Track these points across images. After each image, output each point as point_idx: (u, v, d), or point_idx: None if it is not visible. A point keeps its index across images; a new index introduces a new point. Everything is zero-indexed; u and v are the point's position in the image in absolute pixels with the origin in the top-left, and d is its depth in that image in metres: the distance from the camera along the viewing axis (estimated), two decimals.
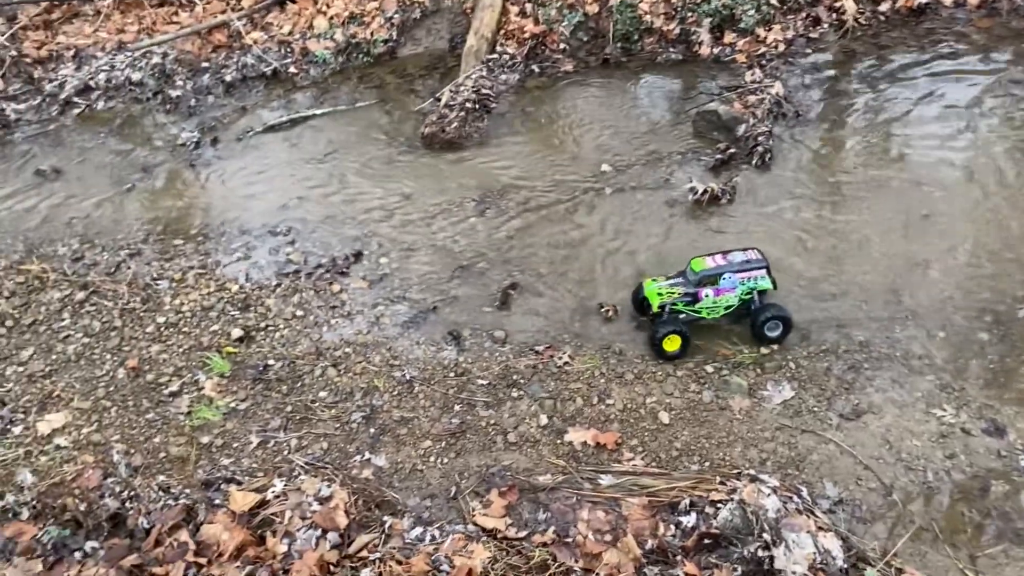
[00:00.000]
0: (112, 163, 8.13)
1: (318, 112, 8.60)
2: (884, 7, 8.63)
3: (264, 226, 7.04)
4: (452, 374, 5.52)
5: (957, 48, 8.16)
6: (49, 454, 5.06)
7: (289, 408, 5.34)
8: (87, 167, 8.08)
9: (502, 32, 9.03)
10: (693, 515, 4.33)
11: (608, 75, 8.67)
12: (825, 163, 7.10)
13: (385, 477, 4.84)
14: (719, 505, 4.30)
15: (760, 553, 3.99)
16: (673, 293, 5.53)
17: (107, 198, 7.59)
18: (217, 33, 9.50)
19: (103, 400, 5.48)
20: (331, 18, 9.41)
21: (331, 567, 4.16)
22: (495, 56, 8.70)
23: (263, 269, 6.57)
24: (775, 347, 5.51)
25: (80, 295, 6.32)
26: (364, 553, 4.23)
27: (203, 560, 4.20)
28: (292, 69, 9.22)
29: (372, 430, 5.15)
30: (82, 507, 4.55)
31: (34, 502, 4.61)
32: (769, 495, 4.26)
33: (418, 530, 4.40)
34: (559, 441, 4.98)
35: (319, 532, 4.30)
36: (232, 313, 6.13)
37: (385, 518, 4.46)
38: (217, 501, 4.60)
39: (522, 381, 5.42)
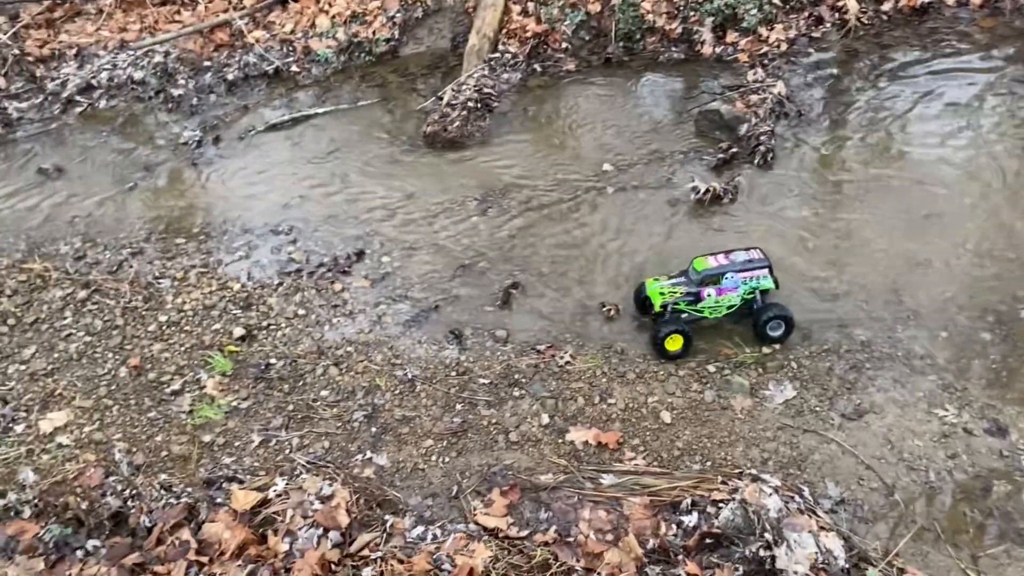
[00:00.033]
0: (114, 162, 8.13)
1: (320, 111, 8.60)
2: (887, 6, 8.62)
3: (266, 225, 7.04)
4: (454, 373, 5.52)
5: (959, 47, 8.15)
6: (51, 452, 5.07)
7: (291, 407, 5.35)
8: (89, 166, 8.08)
9: (504, 31, 9.02)
10: (695, 515, 4.33)
11: (610, 74, 8.66)
12: (827, 162, 7.09)
13: (387, 476, 4.84)
14: (721, 505, 4.30)
15: (762, 553, 3.99)
16: (675, 293, 5.53)
17: (109, 197, 7.59)
18: (219, 32, 9.50)
19: (105, 399, 5.48)
20: (333, 17, 9.40)
21: (332, 566, 4.16)
22: (497, 55, 8.69)
23: (265, 268, 6.57)
24: (777, 347, 5.50)
25: (82, 294, 6.32)
26: (366, 552, 4.23)
27: (205, 559, 4.20)
28: (294, 68, 9.21)
29: (374, 429, 5.16)
30: (84, 505, 4.55)
31: (36, 500, 4.62)
32: (771, 495, 4.26)
33: (419, 529, 4.40)
34: (561, 440, 4.98)
35: (321, 531, 4.30)
36: (234, 312, 6.13)
37: (387, 517, 4.46)
38: (219, 500, 4.60)
39: (524, 380, 5.42)
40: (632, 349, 5.65)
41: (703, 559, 4.12)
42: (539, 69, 8.81)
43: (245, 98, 8.99)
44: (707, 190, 6.67)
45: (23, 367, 5.76)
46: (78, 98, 8.94)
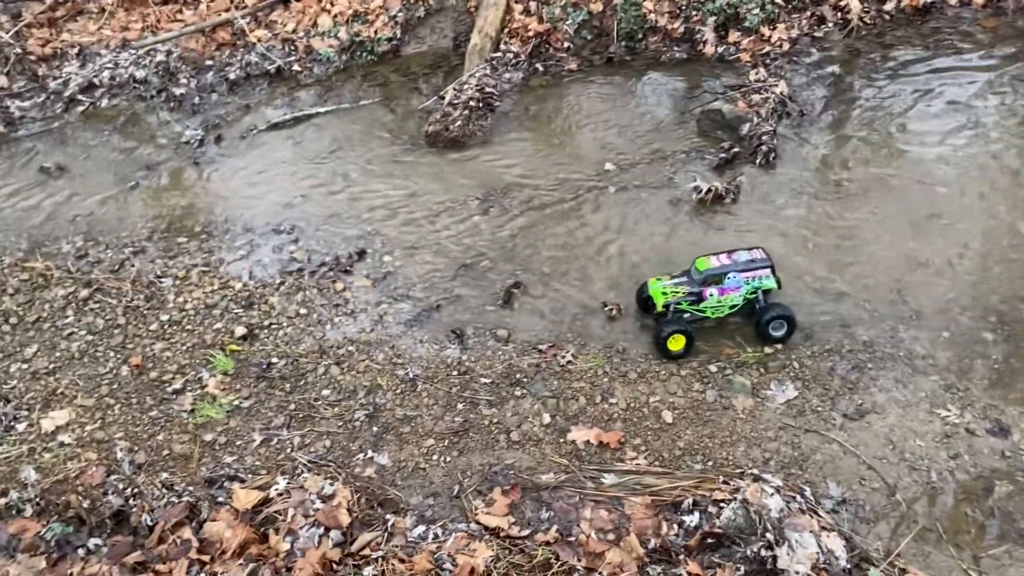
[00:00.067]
0: (116, 161, 8.13)
1: (322, 110, 8.60)
2: (889, 6, 8.61)
3: (267, 224, 7.04)
4: (455, 372, 5.52)
5: (962, 47, 8.13)
6: (53, 451, 5.07)
7: (292, 406, 5.35)
8: (91, 165, 8.09)
9: (506, 31, 9.01)
10: (696, 514, 4.33)
11: (612, 74, 8.66)
12: (829, 162, 7.08)
13: (388, 475, 4.84)
14: (722, 504, 4.29)
15: (763, 553, 3.99)
16: (678, 292, 5.52)
17: (111, 196, 7.60)
18: (221, 31, 9.50)
19: (107, 397, 5.49)
20: (335, 16, 9.40)
21: (334, 565, 4.16)
22: (499, 55, 8.69)
23: (267, 267, 6.57)
24: (779, 347, 5.50)
25: (84, 292, 6.33)
26: (367, 551, 4.24)
27: (206, 557, 4.20)
28: (296, 67, 9.21)
29: (375, 428, 5.16)
30: (85, 504, 4.55)
31: (38, 499, 4.62)
32: (772, 495, 4.26)
33: (421, 528, 4.40)
34: (562, 440, 4.98)
35: (322, 530, 4.30)
36: (236, 311, 6.13)
37: (388, 516, 4.47)
38: (220, 499, 4.61)
39: (525, 380, 5.42)
40: (634, 349, 5.65)
41: (704, 559, 4.12)
42: (541, 68, 8.81)
43: (247, 97, 8.99)
44: (709, 190, 6.66)
45: (25, 366, 5.76)
46: (80, 97, 8.94)
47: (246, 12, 9.56)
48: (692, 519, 4.31)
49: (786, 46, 8.40)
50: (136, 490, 4.68)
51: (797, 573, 3.89)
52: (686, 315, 5.59)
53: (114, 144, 8.39)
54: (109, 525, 4.50)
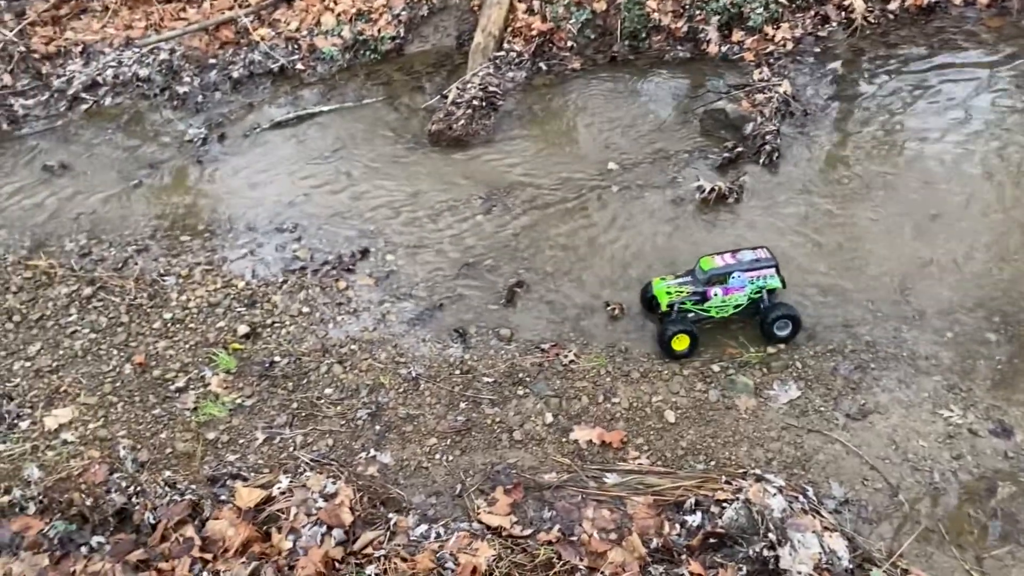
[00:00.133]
0: (119, 159, 8.14)
1: (325, 109, 8.60)
2: (893, 6, 8.59)
3: (270, 223, 7.05)
4: (458, 372, 5.52)
5: (966, 47, 8.12)
6: (56, 449, 5.08)
7: (295, 405, 5.35)
8: (94, 163, 8.10)
9: (509, 29, 9.01)
10: (698, 514, 4.32)
11: (615, 73, 8.65)
12: (833, 162, 7.07)
13: (390, 474, 4.85)
14: (724, 504, 4.29)
15: (765, 553, 3.99)
16: (682, 292, 5.52)
17: (114, 194, 7.61)
18: (224, 29, 9.51)
19: (110, 395, 5.50)
20: (338, 15, 9.41)
21: (336, 564, 4.17)
22: (502, 54, 8.68)
23: (269, 266, 6.58)
24: (782, 346, 5.50)
25: (87, 291, 6.34)
26: (369, 550, 4.24)
27: (209, 556, 4.21)
28: (299, 66, 9.22)
29: (378, 427, 5.16)
30: (88, 502, 4.56)
31: (41, 497, 4.63)
32: (775, 495, 4.26)
33: (423, 527, 4.41)
34: (565, 439, 4.98)
35: (324, 529, 4.30)
36: (238, 309, 6.14)
37: (390, 515, 4.47)
38: (223, 497, 4.61)
39: (528, 379, 5.42)
40: (636, 348, 5.64)
41: (707, 559, 4.12)
42: (544, 68, 8.80)
43: (250, 96, 9.00)
44: (712, 189, 6.66)
45: (28, 364, 5.77)
46: (84, 95, 8.95)
47: (249, 11, 9.57)
48: (694, 519, 4.31)
49: (790, 45, 8.39)
50: (139, 488, 4.68)
51: (799, 573, 3.89)
52: (690, 315, 5.59)
53: (117, 142, 8.41)
54: (112, 523, 4.51)
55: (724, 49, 8.57)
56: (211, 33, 9.49)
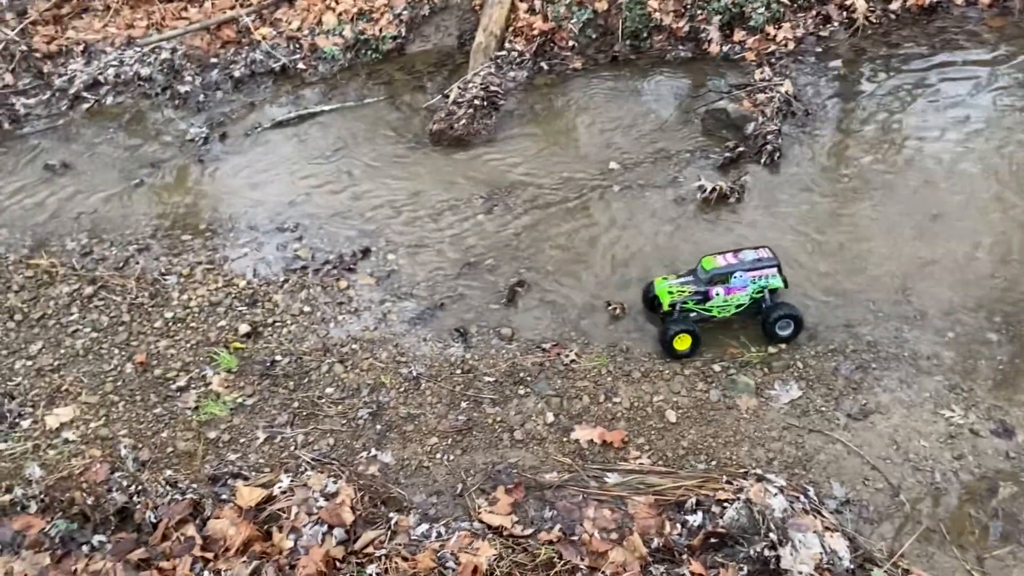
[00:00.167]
0: (121, 158, 8.15)
1: (326, 108, 8.61)
2: (895, 5, 8.59)
3: (272, 222, 7.05)
4: (459, 371, 5.52)
5: (968, 47, 8.11)
6: (57, 448, 5.08)
7: (296, 404, 5.35)
8: (96, 162, 8.10)
9: (511, 29, 9.01)
10: (699, 514, 4.32)
11: (617, 73, 8.65)
12: (834, 162, 7.07)
13: (391, 474, 4.85)
14: (725, 504, 4.29)
15: (766, 553, 3.98)
16: (684, 292, 5.52)
17: (116, 193, 7.61)
18: (226, 29, 9.51)
19: (111, 395, 5.50)
20: (340, 14, 9.41)
21: (337, 563, 4.17)
22: (504, 53, 8.68)
23: (271, 265, 6.58)
24: (783, 346, 5.49)
25: (88, 290, 6.34)
26: (370, 549, 4.24)
27: (210, 555, 4.21)
28: (300, 65, 9.22)
29: (378, 426, 5.16)
30: (90, 501, 4.56)
31: (42, 496, 4.63)
32: (776, 495, 4.25)
33: (424, 527, 4.41)
34: (566, 439, 4.98)
35: (325, 528, 4.30)
36: (239, 309, 6.14)
37: (391, 515, 4.47)
38: (224, 496, 4.61)
39: (529, 378, 5.42)
40: (637, 348, 5.64)
41: (707, 559, 4.12)
42: (546, 67, 8.80)
43: (251, 95, 9.00)
44: (714, 189, 6.66)
45: (30, 362, 5.78)
46: (85, 94, 8.96)
47: (251, 10, 9.57)
48: (695, 519, 4.31)
49: (791, 45, 8.39)
50: (140, 487, 4.68)
51: (800, 573, 3.88)
52: (692, 314, 5.58)
53: (119, 141, 8.41)
54: (113, 522, 4.51)
55: (725, 49, 8.57)
56: (213, 32, 9.49)
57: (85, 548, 4.36)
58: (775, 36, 8.45)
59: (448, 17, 9.49)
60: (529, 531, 4.35)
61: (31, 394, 5.52)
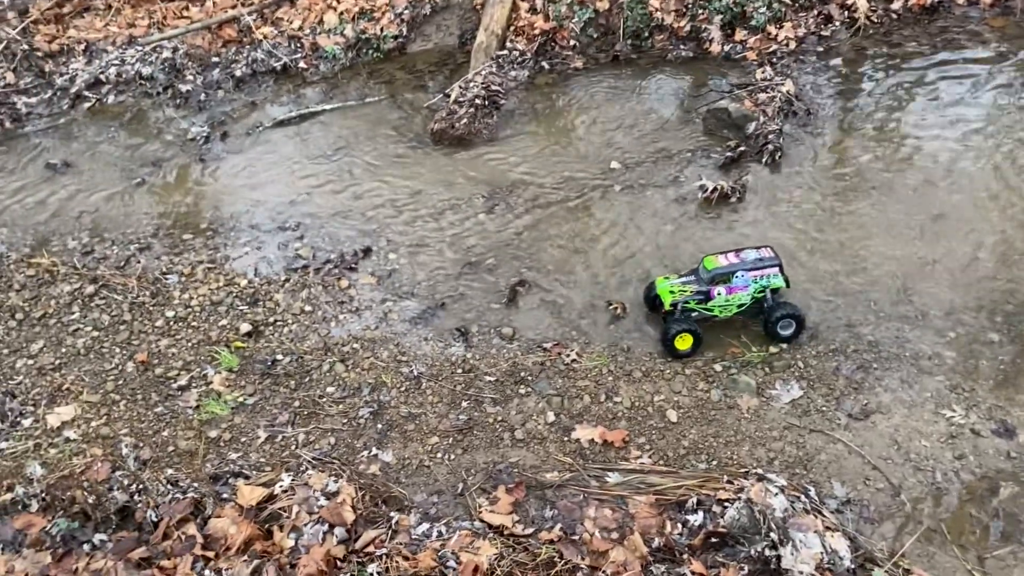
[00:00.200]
0: (122, 157, 8.15)
1: (327, 108, 8.60)
2: (896, 5, 8.58)
3: (273, 221, 7.05)
4: (460, 370, 5.52)
5: (970, 47, 8.10)
6: (58, 447, 5.08)
7: (297, 403, 5.36)
8: (97, 161, 8.10)
9: (512, 28, 9.01)
10: (700, 514, 4.33)
11: (618, 72, 8.64)
12: (836, 161, 7.06)
13: (392, 473, 4.85)
14: (726, 504, 4.29)
15: (767, 552, 3.99)
16: (685, 291, 5.52)
17: (117, 192, 7.61)
18: (227, 28, 9.51)
19: (112, 393, 5.50)
20: (341, 13, 9.40)
21: (338, 562, 4.17)
22: (505, 52, 8.68)
23: (272, 264, 6.58)
24: (784, 346, 5.49)
25: (90, 289, 6.34)
26: (371, 548, 4.24)
27: (211, 553, 4.22)
28: (302, 64, 9.22)
29: (379, 426, 5.16)
30: (91, 500, 4.57)
31: (43, 494, 4.64)
32: (776, 494, 4.25)
33: (425, 526, 4.41)
34: (566, 438, 4.98)
35: (326, 527, 4.31)
36: (241, 308, 6.14)
37: (392, 514, 4.47)
38: (225, 495, 4.62)
39: (530, 378, 5.42)
40: (638, 347, 5.64)
41: (708, 558, 4.12)
42: (547, 66, 8.80)
43: (253, 94, 9.00)
44: (715, 188, 6.65)
45: (31, 361, 5.78)
46: (86, 93, 8.96)
47: (252, 9, 9.57)
48: (696, 518, 4.31)
49: (793, 45, 8.39)
50: (141, 486, 4.69)
51: (801, 573, 3.89)
52: (694, 314, 5.58)
53: (120, 140, 8.41)
54: (114, 521, 4.52)
55: (727, 48, 8.56)
56: (214, 31, 9.49)
57: (86, 547, 4.37)
58: (776, 36, 8.45)
59: (449, 16, 9.49)
60: (530, 530, 4.35)
61: (32, 393, 5.52)
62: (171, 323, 6.03)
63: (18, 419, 5.31)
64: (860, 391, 5.14)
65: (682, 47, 8.76)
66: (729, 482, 4.48)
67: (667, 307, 5.52)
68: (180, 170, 7.91)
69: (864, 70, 8.08)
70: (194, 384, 5.53)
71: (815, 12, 8.61)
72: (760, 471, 4.59)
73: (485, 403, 5.27)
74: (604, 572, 4.08)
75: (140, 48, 9.25)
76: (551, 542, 4.25)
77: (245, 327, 5.92)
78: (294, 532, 4.30)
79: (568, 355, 5.55)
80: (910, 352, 5.36)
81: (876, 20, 8.55)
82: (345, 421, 5.21)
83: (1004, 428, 4.81)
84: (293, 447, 5.03)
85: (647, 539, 4.23)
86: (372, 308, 6.11)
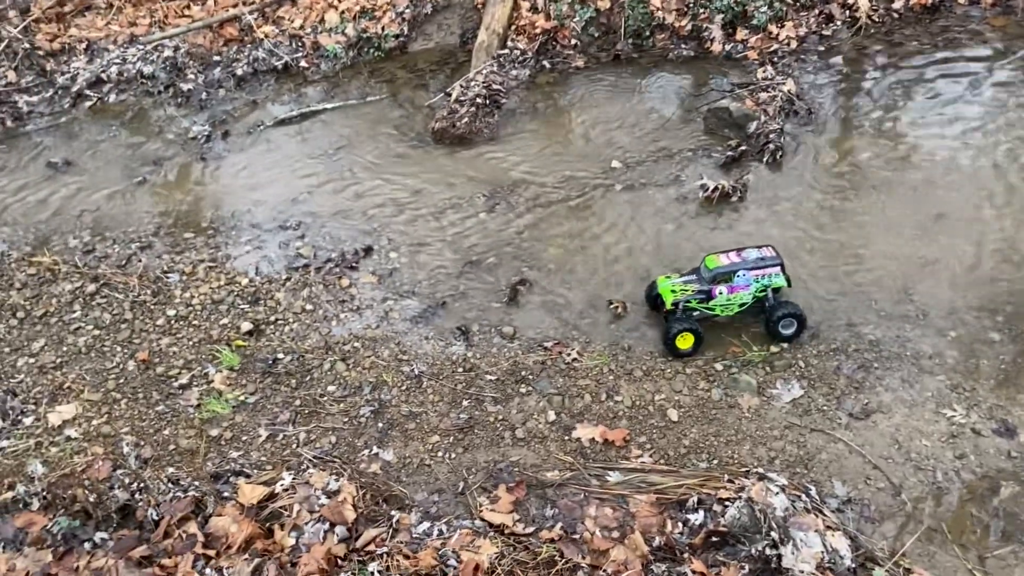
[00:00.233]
0: (123, 156, 8.15)
1: (328, 106, 8.61)
2: (898, 4, 8.57)
3: (274, 220, 7.05)
4: (460, 369, 5.53)
5: (971, 46, 8.10)
6: (59, 445, 5.09)
7: (298, 402, 5.36)
8: (98, 160, 8.10)
9: (513, 27, 9.00)
10: (701, 513, 4.33)
11: (619, 71, 8.64)
12: (837, 160, 7.06)
13: (393, 471, 4.85)
14: (727, 503, 4.29)
15: (768, 551, 3.99)
16: (687, 290, 5.52)
17: (118, 191, 7.62)
18: (228, 27, 9.51)
19: (113, 392, 5.51)
20: (342, 12, 9.41)
21: (339, 561, 4.17)
22: (506, 52, 8.67)
23: (273, 263, 6.58)
24: (785, 345, 5.49)
25: (91, 287, 6.35)
26: (372, 547, 4.24)
27: (211, 552, 4.22)
28: (303, 63, 9.22)
29: (380, 424, 5.16)
30: (92, 498, 4.57)
31: (44, 493, 4.64)
32: (777, 493, 4.26)
33: (425, 525, 4.41)
34: (567, 437, 4.99)
35: (327, 526, 4.31)
36: (242, 306, 6.14)
37: (393, 512, 4.47)
38: (226, 494, 4.62)
39: (530, 377, 5.42)
40: (639, 346, 5.64)
41: (709, 557, 4.12)
42: (548, 65, 8.80)
43: (254, 93, 9.00)
44: (716, 188, 6.65)
45: (32, 360, 5.78)
46: (88, 92, 8.96)
47: (253, 8, 9.57)
48: (697, 517, 4.31)
49: (794, 44, 8.38)
50: (142, 484, 4.69)
51: (802, 572, 3.89)
52: (695, 313, 5.58)
53: (121, 139, 8.41)
54: (115, 519, 4.52)
55: (728, 48, 8.56)
56: (215, 30, 9.50)
57: (87, 545, 4.37)
58: (777, 35, 8.44)
59: (450, 15, 9.49)
60: (530, 529, 4.35)
61: (33, 391, 5.52)
62: (172, 322, 6.04)
63: (19, 417, 5.31)
64: (861, 390, 5.14)
65: (683, 46, 8.76)
66: (730, 481, 4.49)
67: (669, 306, 5.52)
68: (181, 169, 7.91)
69: (865, 69, 8.06)
70: (195, 383, 5.54)
71: (816, 11, 8.61)
72: (761, 470, 4.59)
73: (486, 402, 5.27)
74: (605, 571, 4.08)
75: (141, 47, 9.25)
76: (552, 541, 4.25)
77: (246, 326, 5.92)
78: (295, 531, 4.30)
79: (569, 354, 5.55)
80: (911, 351, 5.36)
81: (877, 19, 8.54)
82: (346, 420, 5.22)
83: (1005, 428, 4.81)
84: (294, 446, 5.03)
85: (648, 538, 4.23)
86: (373, 307, 6.11)
